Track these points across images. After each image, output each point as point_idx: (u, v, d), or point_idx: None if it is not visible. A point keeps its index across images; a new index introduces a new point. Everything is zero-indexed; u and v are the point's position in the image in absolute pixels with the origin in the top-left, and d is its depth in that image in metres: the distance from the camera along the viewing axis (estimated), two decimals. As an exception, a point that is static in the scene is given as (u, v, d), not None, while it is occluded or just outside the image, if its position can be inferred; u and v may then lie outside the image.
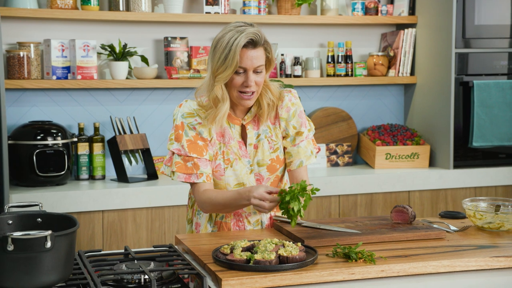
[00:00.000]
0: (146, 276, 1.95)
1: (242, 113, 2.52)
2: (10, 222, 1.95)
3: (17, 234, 1.68)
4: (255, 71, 2.39)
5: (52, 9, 3.80)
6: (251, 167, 2.50)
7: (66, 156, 3.69)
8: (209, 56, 2.43)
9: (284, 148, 2.55)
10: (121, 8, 3.92)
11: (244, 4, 4.14)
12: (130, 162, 3.88)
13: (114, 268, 2.01)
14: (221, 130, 2.49)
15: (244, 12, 4.14)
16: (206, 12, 4.04)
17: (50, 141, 3.67)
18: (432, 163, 4.32)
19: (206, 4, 4.03)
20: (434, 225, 2.47)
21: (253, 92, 2.40)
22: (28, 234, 1.68)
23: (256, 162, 2.49)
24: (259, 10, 4.15)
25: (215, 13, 4.05)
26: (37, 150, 3.62)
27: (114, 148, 3.84)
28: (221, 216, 2.52)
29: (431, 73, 4.30)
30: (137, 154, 3.92)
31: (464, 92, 4.19)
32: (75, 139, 3.81)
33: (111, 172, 3.99)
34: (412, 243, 2.28)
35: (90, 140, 3.91)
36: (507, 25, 4.23)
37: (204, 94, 2.47)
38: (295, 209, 2.21)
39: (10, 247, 1.68)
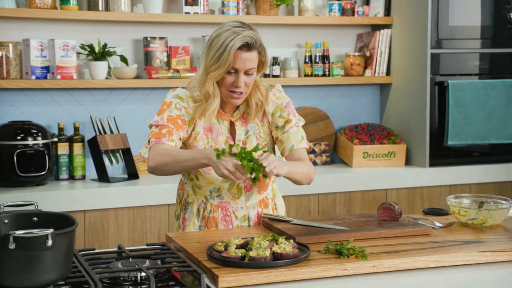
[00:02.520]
0: (142, 274, 1.96)
1: (231, 110, 2.56)
2: (6, 221, 1.96)
3: (19, 232, 1.68)
4: (246, 73, 2.43)
5: (31, 9, 3.78)
6: None
7: (47, 156, 3.67)
8: (204, 52, 2.46)
9: (276, 139, 2.59)
10: (100, 8, 3.92)
11: (223, 4, 4.16)
12: (111, 162, 3.88)
13: (110, 266, 2.03)
14: (209, 125, 2.53)
15: (223, 13, 4.16)
16: (186, 13, 4.05)
17: (30, 141, 3.65)
18: (408, 162, 4.40)
19: (186, 5, 4.05)
20: (420, 222, 2.52)
21: (242, 93, 2.45)
22: (31, 233, 1.69)
23: None
24: (238, 11, 4.18)
25: (194, 13, 4.07)
26: (18, 150, 3.60)
27: (94, 148, 3.83)
28: (208, 210, 2.55)
29: (407, 73, 4.37)
30: (117, 154, 3.92)
31: (439, 92, 4.26)
32: (56, 139, 3.80)
33: (91, 172, 3.99)
34: (400, 239, 2.33)
35: (70, 140, 3.90)
36: (478, 26, 4.32)
37: (196, 88, 2.51)
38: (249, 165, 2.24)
39: (12, 246, 1.68)
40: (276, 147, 2.65)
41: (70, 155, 3.89)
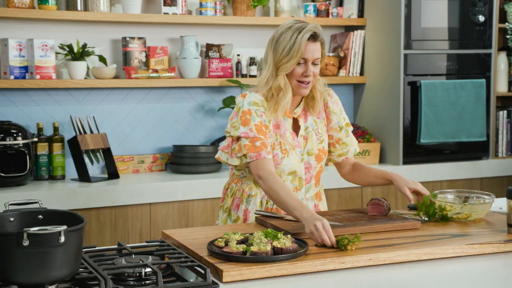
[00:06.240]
0: (147, 270, 2.00)
1: (292, 107, 2.70)
2: (12, 219, 1.97)
3: (33, 229, 1.70)
4: (313, 63, 2.59)
5: (9, 8, 3.77)
6: (302, 157, 2.68)
7: (27, 156, 3.66)
8: (269, 50, 2.62)
9: (338, 140, 2.78)
10: (79, 8, 3.92)
11: (201, 5, 4.20)
12: (92, 161, 3.89)
13: (115, 263, 2.05)
14: (277, 122, 2.65)
15: (200, 13, 4.20)
16: (164, 13, 4.08)
17: (10, 141, 3.64)
18: (382, 160, 4.50)
19: (164, 5, 4.08)
20: (407, 217, 2.60)
21: (309, 82, 2.60)
22: (45, 229, 1.71)
23: (306, 151, 2.69)
24: (215, 11, 4.22)
25: (173, 13, 4.10)
26: (-1, 151, 3.60)
27: (75, 148, 3.83)
28: (272, 202, 2.67)
29: (380, 73, 4.47)
30: (98, 154, 3.93)
31: (412, 92, 4.37)
32: (36, 139, 3.79)
33: (70, 172, 3.99)
34: (391, 233, 2.41)
35: (50, 140, 3.90)
36: (446, 28, 4.44)
37: (263, 88, 2.63)
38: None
39: (26, 242, 1.71)
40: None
41: (50, 155, 3.89)
